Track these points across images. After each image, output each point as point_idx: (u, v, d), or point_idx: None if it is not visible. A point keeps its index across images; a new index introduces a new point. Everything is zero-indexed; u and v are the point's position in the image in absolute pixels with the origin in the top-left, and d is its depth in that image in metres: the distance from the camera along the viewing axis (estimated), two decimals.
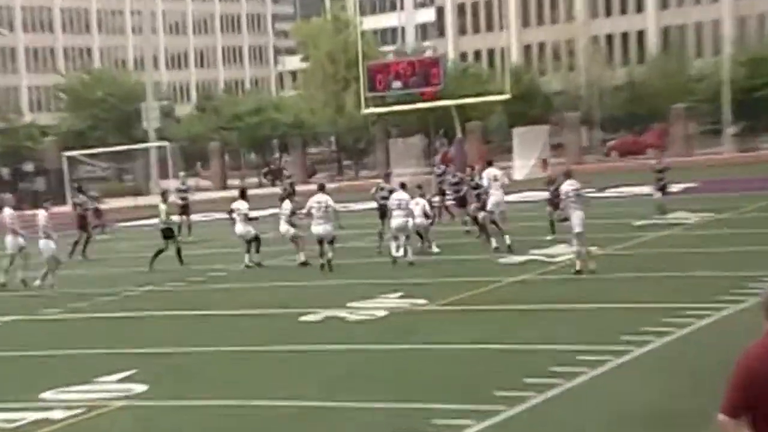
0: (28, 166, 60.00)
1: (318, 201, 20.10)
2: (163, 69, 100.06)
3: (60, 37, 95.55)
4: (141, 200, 50.63)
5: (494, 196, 21.04)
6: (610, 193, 34.27)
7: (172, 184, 54.87)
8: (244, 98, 74.56)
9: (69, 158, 55.42)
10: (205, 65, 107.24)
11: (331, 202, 20.15)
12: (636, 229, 22.93)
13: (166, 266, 22.77)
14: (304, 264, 20.46)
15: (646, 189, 28.39)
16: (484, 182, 21.38)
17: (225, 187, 60.33)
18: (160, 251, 22.50)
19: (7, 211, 21.23)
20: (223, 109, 68.70)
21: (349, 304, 15.65)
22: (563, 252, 19.72)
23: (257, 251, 21.33)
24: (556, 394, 9.84)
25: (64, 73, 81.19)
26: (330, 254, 19.79)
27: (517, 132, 49.35)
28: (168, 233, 22.88)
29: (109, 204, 47.56)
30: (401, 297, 16.13)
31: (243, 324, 15.22)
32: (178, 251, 22.63)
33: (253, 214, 21.86)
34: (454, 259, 20.40)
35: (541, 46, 79.89)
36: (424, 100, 46.55)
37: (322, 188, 20.70)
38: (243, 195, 21.71)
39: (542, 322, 13.60)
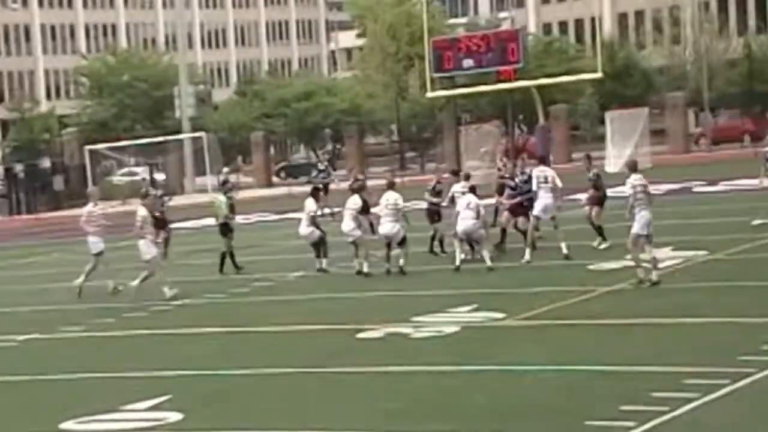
0: (45, 162, 60.97)
1: (386, 199, 20.82)
2: (199, 49, 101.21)
3: (81, 13, 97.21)
4: (173, 200, 51.11)
5: (542, 200, 21.02)
6: (724, 186, 33.80)
7: (209, 181, 55.56)
8: (292, 81, 75.05)
9: (92, 152, 56.25)
10: (246, 43, 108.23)
11: (401, 201, 20.98)
12: (754, 230, 22.63)
13: (204, 276, 22.97)
14: (364, 274, 20.53)
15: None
16: (533, 184, 21.27)
17: (270, 184, 60.81)
18: (231, 253, 22.81)
19: (89, 207, 21.78)
20: (267, 93, 69.28)
21: (413, 319, 15.70)
22: (668, 256, 19.49)
23: (325, 255, 21.80)
24: (660, 423, 9.74)
25: (86, 55, 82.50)
26: (402, 261, 20.44)
27: (611, 116, 48.96)
28: (226, 230, 23.08)
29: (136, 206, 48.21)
30: (474, 310, 16.15)
31: (291, 342, 15.29)
32: (223, 256, 22.82)
33: (319, 212, 22.55)
34: (535, 265, 20.35)
35: (639, 15, 79.03)
36: (500, 81, 46.40)
37: (391, 185, 21.40)
38: (315, 194, 22.27)
39: (641, 339, 13.45)
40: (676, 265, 18.81)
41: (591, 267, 19.47)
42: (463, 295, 17.45)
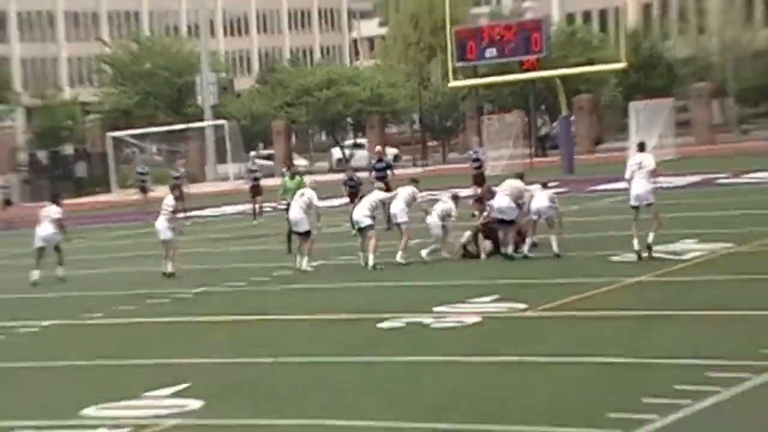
0: (68, 149, 61.28)
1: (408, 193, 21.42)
2: (221, 36, 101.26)
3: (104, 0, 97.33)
4: (195, 188, 51.24)
5: (538, 199, 20.13)
6: (750, 178, 33.52)
7: (230, 169, 55.72)
8: (314, 70, 74.93)
9: (114, 139, 56.56)
10: (268, 31, 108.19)
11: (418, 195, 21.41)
12: None
13: (224, 264, 22.98)
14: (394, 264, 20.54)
15: None
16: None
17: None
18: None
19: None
20: (289, 82, 69.10)
21: (435, 309, 15.68)
22: (693, 248, 19.37)
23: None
24: (682, 417, 9.72)
25: (109, 42, 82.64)
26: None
27: (635, 107, 48.65)
28: None
29: (159, 192, 48.30)
30: (495, 301, 16.10)
31: (311, 331, 15.29)
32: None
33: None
34: (563, 256, 20.02)
35: (664, 5, 78.55)
36: (523, 71, 46.22)
37: (415, 182, 21.89)
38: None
39: (664, 332, 13.33)
40: (701, 256, 18.66)
41: (615, 258, 19.35)
42: (485, 286, 17.40)
